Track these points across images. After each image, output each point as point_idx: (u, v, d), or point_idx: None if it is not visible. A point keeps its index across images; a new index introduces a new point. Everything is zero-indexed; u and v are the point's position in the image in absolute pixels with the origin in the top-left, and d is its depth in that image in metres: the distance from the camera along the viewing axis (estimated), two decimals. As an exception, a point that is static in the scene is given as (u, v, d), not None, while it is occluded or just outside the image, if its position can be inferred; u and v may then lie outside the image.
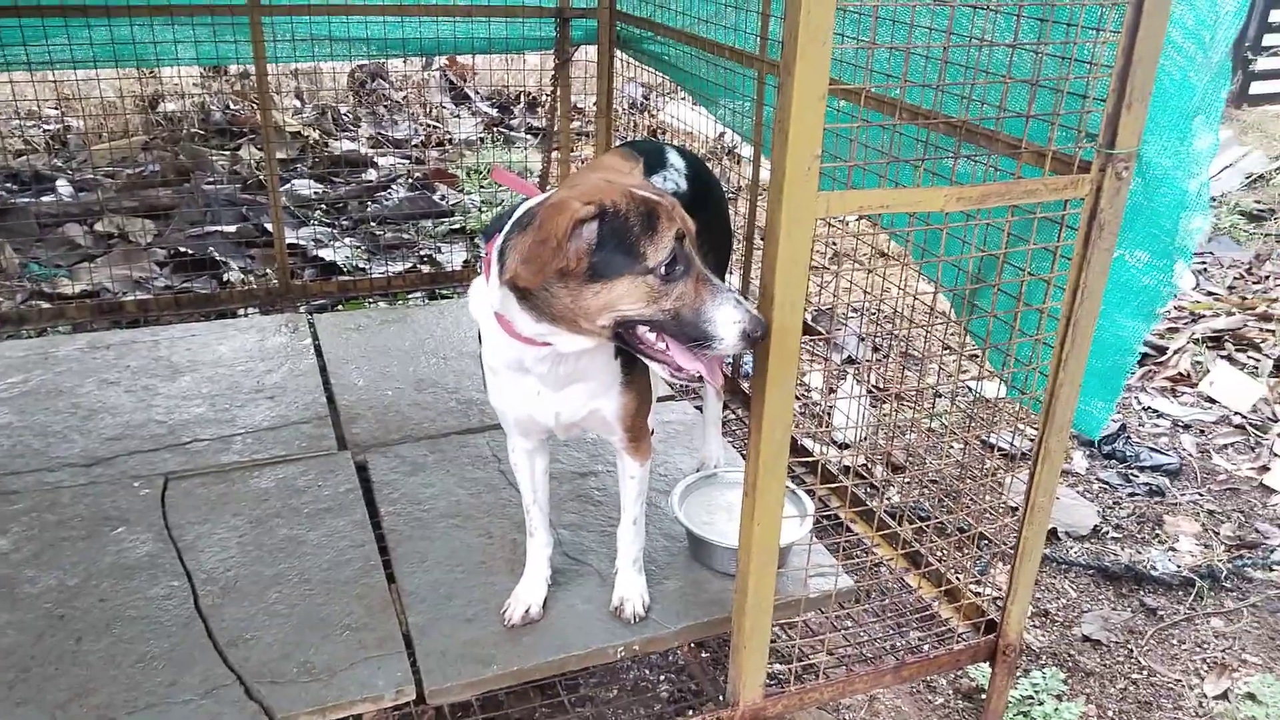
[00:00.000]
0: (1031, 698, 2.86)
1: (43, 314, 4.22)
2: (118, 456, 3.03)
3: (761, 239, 1.98)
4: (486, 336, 2.08)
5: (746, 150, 4.26)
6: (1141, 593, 3.36)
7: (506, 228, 1.90)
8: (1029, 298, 2.27)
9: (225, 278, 5.06)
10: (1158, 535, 3.66)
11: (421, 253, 5.56)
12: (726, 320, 1.78)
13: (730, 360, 3.57)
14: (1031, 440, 2.30)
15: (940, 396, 4.31)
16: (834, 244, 5.48)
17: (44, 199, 5.69)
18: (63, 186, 5.91)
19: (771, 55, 3.09)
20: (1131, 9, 1.84)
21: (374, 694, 2.18)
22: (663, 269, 1.77)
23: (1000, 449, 3.69)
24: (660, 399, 3.33)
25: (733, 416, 3.56)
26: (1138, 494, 3.90)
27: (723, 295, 1.80)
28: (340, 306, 4.75)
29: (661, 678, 2.84)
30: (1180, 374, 4.79)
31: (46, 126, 6.76)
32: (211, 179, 6.24)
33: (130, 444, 3.10)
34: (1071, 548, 3.58)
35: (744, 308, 1.78)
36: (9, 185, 5.93)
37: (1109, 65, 1.92)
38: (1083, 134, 2.02)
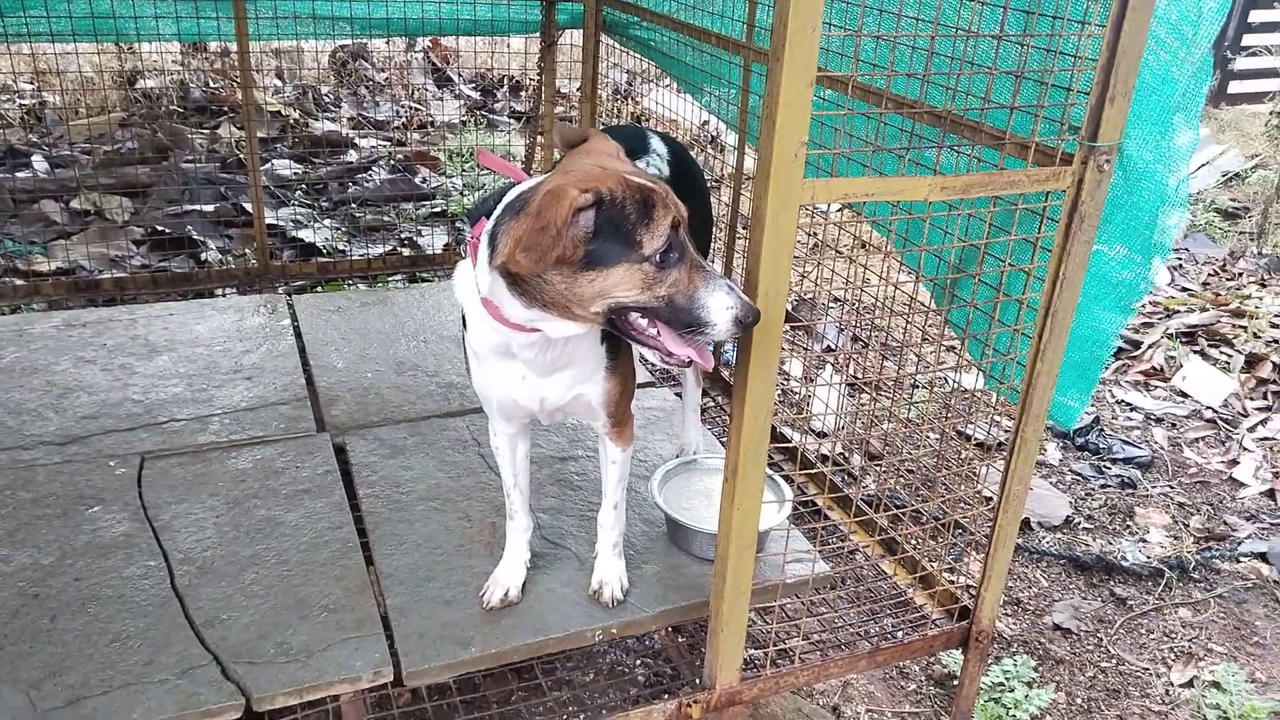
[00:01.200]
0: (1002, 684, 2.90)
1: (17, 291, 4.16)
2: (93, 435, 3.00)
3: (744, 228, 1.99)
4: (472, 321, 2.07)
5: (728, 139, 4.26)
6: (1112, 583, 3.41)
7: (497, 212, 1.89)
8: (1008, 288, 2.29)
9: (203, 257, 5.01)
10: (1129, 526, 3.71)
11: (402, 235, 5.52)
12: (720, 306, 1.78)
13: (710, 347, 3.58)
14: (1007, 431, 2.32)
15: (918, 387, 4.34)
16: (814, 234, 5.49)
17: (19, 175, 5.60)
18: (38, 162, 5.82)
19: (758, 43, 3.08)
20: (1117, 3, 1.86)
21: (351, 675, 2.18)
22: (658, 256, 1.77)
23: (976, 439, 3.73)
24: (640, 385, 3.34)
25: (712, 404, 3.58)
26: (1110, 485, 3.95)
27: (715, 282, 1.80)
28: (319, 288, 4.72)
29: (638, 662, 2.85)
30: (1154, 368, 4.85)
31: (22, 101, 6.66)
32: (190, 157, 6.16)
33: (106, 423, 3.07)
34: (1044, 538, 3.62)
35: (736, 294, 1.79)
36: (-17, 160, 5.84)
37: (1093, 58, 1.93)
38: (1066, 126, 2.04)
